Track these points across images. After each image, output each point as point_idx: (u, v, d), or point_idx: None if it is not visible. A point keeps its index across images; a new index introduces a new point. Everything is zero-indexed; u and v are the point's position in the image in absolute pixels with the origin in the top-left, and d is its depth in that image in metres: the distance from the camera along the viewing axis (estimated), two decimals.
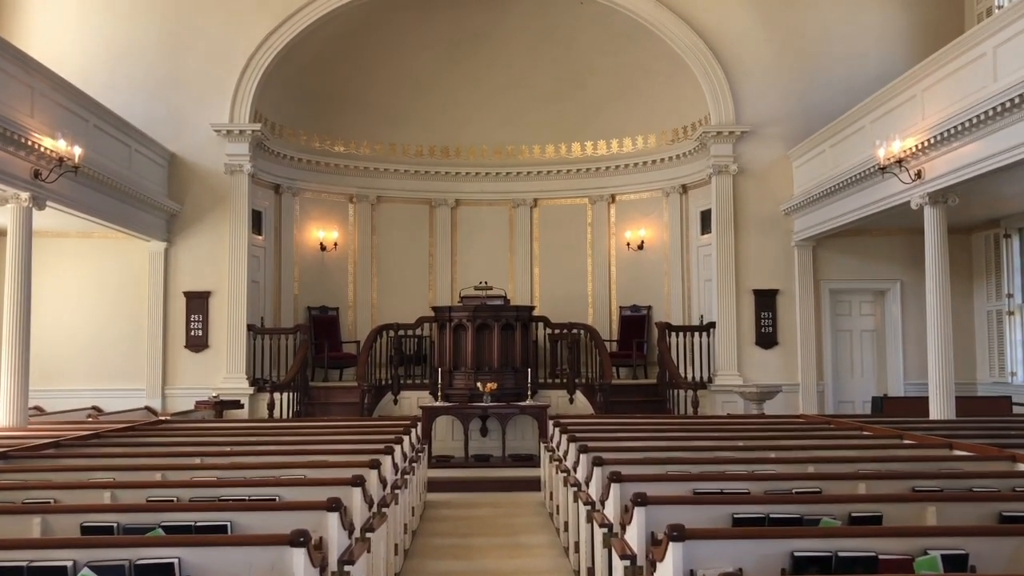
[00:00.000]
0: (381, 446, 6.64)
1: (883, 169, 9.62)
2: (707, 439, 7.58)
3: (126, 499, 4.92)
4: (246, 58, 12.98)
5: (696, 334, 13.49)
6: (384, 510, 5.68)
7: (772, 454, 6.69)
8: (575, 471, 6.88)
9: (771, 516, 4.39)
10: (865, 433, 8.02)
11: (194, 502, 4.81)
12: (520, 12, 14.09)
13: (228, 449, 7.05)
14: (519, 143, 15.60)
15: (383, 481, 5.98)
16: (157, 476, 5.67)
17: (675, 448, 6.86)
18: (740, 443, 7.35)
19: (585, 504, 5.88)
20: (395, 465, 6.74)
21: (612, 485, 5.08)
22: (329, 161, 14.85)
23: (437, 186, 15.53)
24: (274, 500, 4.85)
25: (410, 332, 13.36)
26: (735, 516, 4.41)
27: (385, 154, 15.32)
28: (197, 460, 6.40)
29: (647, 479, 5.21)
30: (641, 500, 4.30)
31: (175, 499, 4.92)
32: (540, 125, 15.35)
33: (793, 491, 5.10)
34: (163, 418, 10.64)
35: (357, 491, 4.94)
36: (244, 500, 4.83)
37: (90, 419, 10.73)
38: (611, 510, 5.13)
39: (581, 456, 6.54)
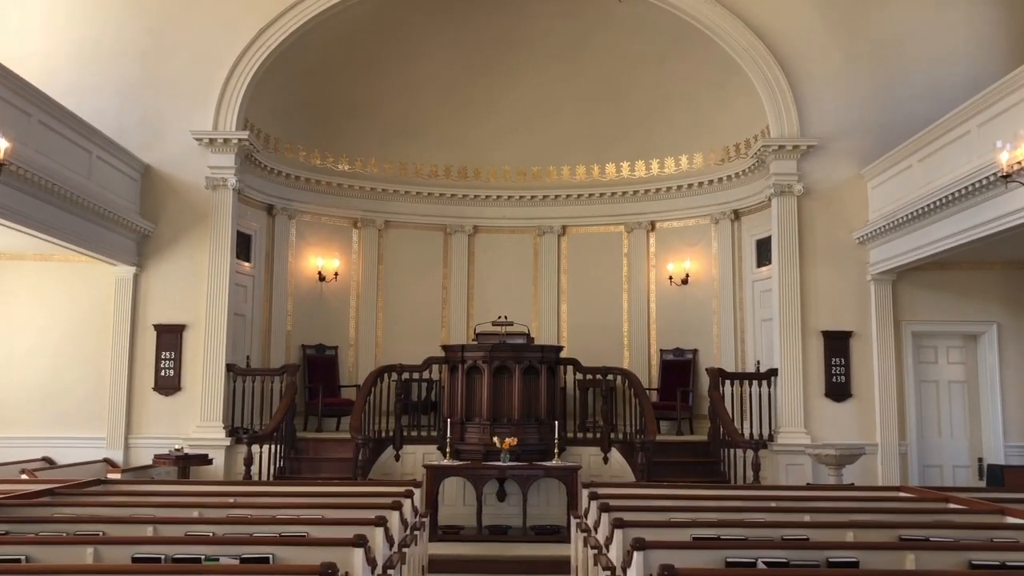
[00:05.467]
0: (350, 535, 4.68)
1: (1006, 177, 7.64)
2: (803, 526, 5.55)
3: None
4: (234, 58, 11.27)
5: (753, 383, 11.42)
6: None
7: (910, 558, 4.68)
8: (623, 573, 4.90)
9: None
10: (1010, 520, 5.96)
11: None
12: (550, 13, 12.32)
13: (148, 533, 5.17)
14: (546, 163, 13.76)
15: None
16: None
17: (767, 543, 4.87)
18: (850, 535, 5.34)
19: None
20: (370, 562, 4.78)
21: None
22: (331, 180, 13.07)
23: (453, 210, 13.70)
24: None
25: (416, 375, 11.41)
26: None
27: (395, 174, 13.54)
28: (89, 551, 4.51)
29: None
30: None
31: None
32: (570, 143, 13.51)
33: None
34: (109, 476, 8.76)
35: None
36: None
37: (24, 475, 8.88)
38: None
39: (635, 555, 4.57)
